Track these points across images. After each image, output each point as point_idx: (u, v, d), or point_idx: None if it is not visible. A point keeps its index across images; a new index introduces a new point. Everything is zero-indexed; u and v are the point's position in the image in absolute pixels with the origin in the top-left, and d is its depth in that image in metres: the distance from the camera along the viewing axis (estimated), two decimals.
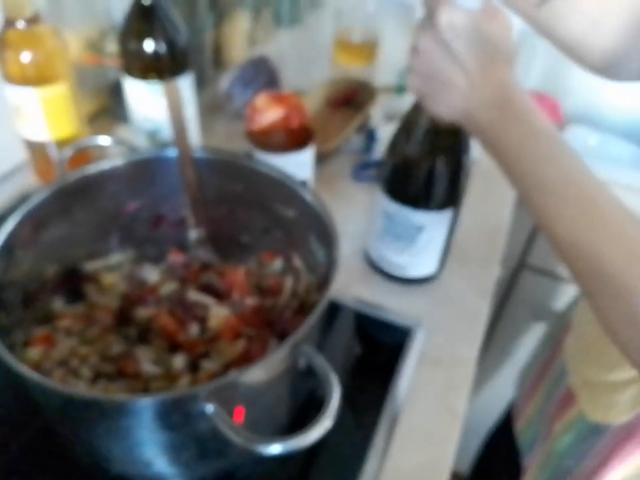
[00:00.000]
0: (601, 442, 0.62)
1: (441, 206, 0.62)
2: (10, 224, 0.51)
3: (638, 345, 0.39)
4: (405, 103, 0.99)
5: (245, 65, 0.97)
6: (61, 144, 0.75)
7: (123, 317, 0.59)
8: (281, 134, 0.69)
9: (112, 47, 0.87)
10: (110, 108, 0.94)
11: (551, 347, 0.76)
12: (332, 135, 0.92)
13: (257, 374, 0.42)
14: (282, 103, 0.69)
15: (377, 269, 0.71)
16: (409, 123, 0.62)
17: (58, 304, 0.58)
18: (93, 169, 0.57)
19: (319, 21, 1.37)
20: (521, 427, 0.79)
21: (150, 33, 0.68)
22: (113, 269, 0.63)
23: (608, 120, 1.23)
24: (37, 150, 0.76)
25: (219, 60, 1.11)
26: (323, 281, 0.53)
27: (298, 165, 0.70)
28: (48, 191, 0.54)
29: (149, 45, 0.68)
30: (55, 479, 0.52)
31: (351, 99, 1.01)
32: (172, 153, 0.59)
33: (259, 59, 0.99)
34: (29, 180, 0.81)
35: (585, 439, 0.64)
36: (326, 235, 0.53)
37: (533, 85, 1.16)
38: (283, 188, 0.59)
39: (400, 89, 1.07)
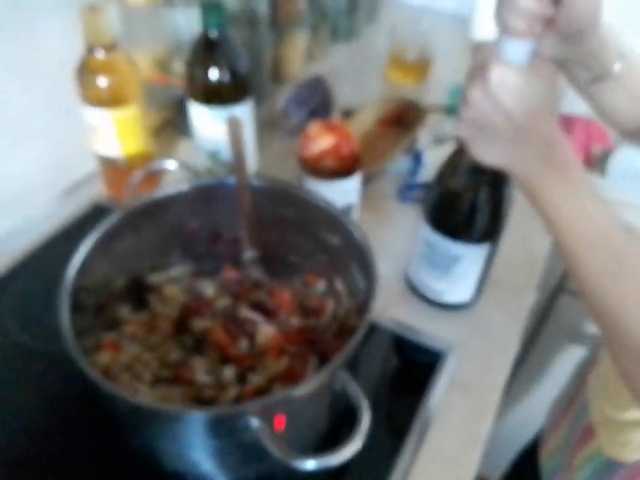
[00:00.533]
0: (616, 478, 0.64)
1: (479, 240, 0.66)
2: (89, 240, 0.58)
3: None
4: (453, 124, 1.02)
5: (300, 85, 1.02)
6: (131, 158, 0.82)
7: (182, 327, 0.65)
8: (330, 161, 0.74)
9: (178, 66, 0.93)
10: (175, 122, 1.01)
11: (578, 381, 0.78)
12: (380, 155, 0.96)
13: (298, 395, 0.47)
14: (333, 132, 0.74)
15: (416, 292, 0.75)
16: (454, 158, 0.65)
17: (124, 311, 0.65)
18: (160, 193, 0.64)
19: (375, 35, 1.41)
20: (545, 456, 0.82)
21: (215, 63, 0.74)
22: (173, 281, 0.69)
23: None
24: (108, 164, 0.84)
25: (277, 76, 1.17)
26: (362, 307, 0.58)
27: (345, 191, 0.75)
28: (121, 213, 0.61)
29: (213, 74, 0.74)
30: (111, 470, 0.59)
31: (401, 118, 1.05)
32: (231, 180, 0.65)
33: (314, 78, 1.04)
34: (98, 189, 0.88)
35: (601, 474, 0.66)
36: (366, 266, 0.58)
37: (584, 109, 1.16)
38: (330, 217, 0.64)
39: (450, 110, 1.10)
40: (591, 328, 1.09)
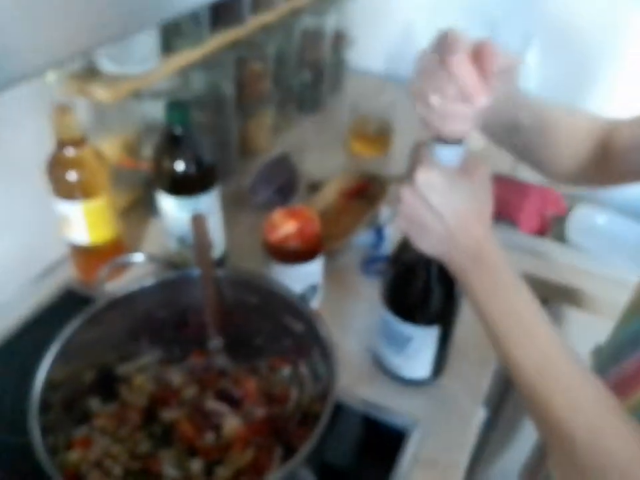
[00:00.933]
0: None
1: (430, 322, 0.69)
2: (59, 338, 0.60)
3: None
4: None
5: (267, 163, 1.07)
6: (100, 245, 0.85)
7: (150, 417, 0.67)
8: (294, 245, 0.77)
9: (147, 150, 0.97)
10: (145, 202, 1.04)
11: (539, 450, 0.81)
12: (344, 229, 1.00)
13: None
14: (295, 218, 0.78)
15: (378, 365, 0.78)
16: (404, 240, 0.68)
17: (94, 404, 0.67)
18: (127, 289, 0.66)
19: (340, 104, 1.47)
20: None
21: (179, 157, 0.78)
22: (142, 370, 0.71)
23: (615, 199, 1.28)
24: (78, 250, 0.86)
25: (245, 151, 1.21)
26: (325, 393, 0.60)
27: (309, 273, 0.79)
28: (90, 311, 0.63)
29: (178, 167, 0.78)
30: None
31: (363, 191, 1.10)
32: (196, 272, 0.68)
33: (280, 156, 1.09)
34: (70, 274, 0.90)
35: None
36: (327, 356, 0.60)
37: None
38: (292, 304, 0.67)
39: None
40: None
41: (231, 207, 1.07)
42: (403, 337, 0.71)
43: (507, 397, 1.24)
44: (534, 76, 1.33)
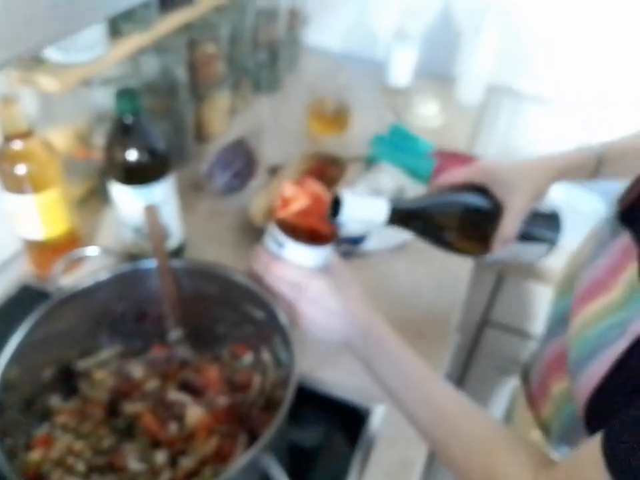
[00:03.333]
0: None
1: None
2: (11, 344, 0.59)
3: None
4: (374, 176, 1.07)
5: (224, 148, 1.06)
6: (55, 239, 0.83)
7: (113, 411, 0.67)
8: (304, 221, 0.63)
9: (99, 139, 0.95)
10: (99, 191, 1.02)
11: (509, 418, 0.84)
12: None
13: None
14: (308, 192, 0.63)
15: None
16: None
17: (55, 400, 0.66)
18: (82, 284, 0.65)
19: (297, 84, 1.46)
20: None
21: (131, 146, 0.76)
22: (103, 364, 0.71)
23: None
24: (33, 245, 0.84)
25: (201, 136, 1.20)
26: (287, 379, 0.61)
27: (325, 254, 0.63)
28: (44, 309, 0.62)
29: (131, 156, 0.76)
30: None
31: (323, 173, 1.10)
32: (152, 264, 0.68)
33: (237, 140, 1.08)
34: (26, 269, 0.89)
35: None
36: (287, 342, 0.61)
37: (494, 152, 1.25)
38: (252, 293, 0.67)
39: (369, 160, 1.16)
40: (518, 357, 1.16)
41: (189, 193, 1.07)
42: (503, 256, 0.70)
43: (468, 374, 1.28)
44: (490, 48, 1.34)
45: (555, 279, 0.98)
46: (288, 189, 0.62)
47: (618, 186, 0.64)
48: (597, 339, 0.50)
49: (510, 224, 0.64)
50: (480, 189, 0.67)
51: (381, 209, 0.60)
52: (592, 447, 0.40)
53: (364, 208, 0.59)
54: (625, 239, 0.52)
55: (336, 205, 0.58)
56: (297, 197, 0.62)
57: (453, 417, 0.53)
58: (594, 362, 0.49)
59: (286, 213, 0.61)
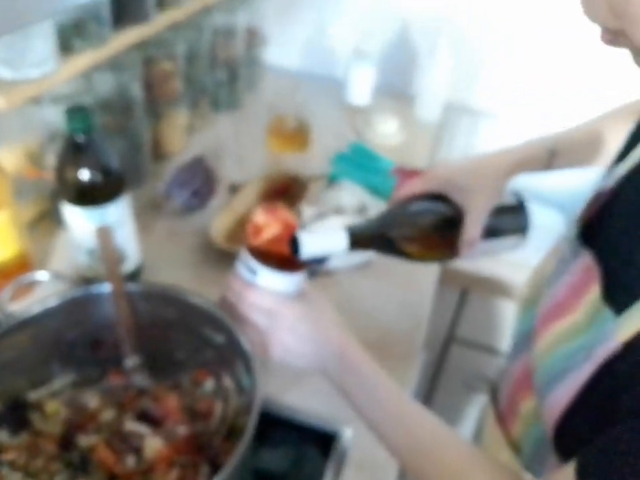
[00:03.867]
0: None
1: None
2: None
3: None
4: (336, 194, 1.06)
5: (181, 166, 1.03)
6: (5, 263, 0.79)
7: (66, 444, 0.63)
8: (275, 248, 0.62)
9: (51, 159, 0.91)
10: (52, 213, 0.98)
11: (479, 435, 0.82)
12: None
13: None
14: (276, 218, 0.62)
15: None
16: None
17: (3, 436, 0.62)
18: (29, 311, 0.61)
19: (257, 103, 1.44)
20: None
21: (84, 166, 0.73)
22: (55, 395, 0.66)
23: (534, 190, 1.33)
24: None
25: (158, 153, 1.17)
26: (249, 405, 0.58)
27: (300, 280, 0.63)
28: None
29: (83, 176, 0.73)
30: None
31: (285, 191, 1.08)
32: (105, 287, 0.64)
33: (195, 159, 1.05)
34: None
35: None
36: (249, 367, 0.58)
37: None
38: (212, 317, 0.64)
39: (331, 178, 1.14)
40: (487, 372, 1.16)
41: (146, 213, 1.03)
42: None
43: (436, 391, 1.27)
44: (444, 67, 1.36)
45: (519, 295, 0.99)
46: (259, 216, 0.62)
47: (574, 201, 0.64)
48: (563, 361, 0.49)
49: (472, 227, 0.64)
50: (438, 197, 0.67)
51: (339, 239, 0.60)
52: (566, 474, 0.39)
53: (322, 242, 0.60)
54: (586, 258, 0.52)
55: (295, 244, 0.58)
56: (268, 224, 0.61)
57: (428, 442, 0.53)
58: (560, 384, 0.48)
59: (258, 241, 0.61)
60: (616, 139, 0.71)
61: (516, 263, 0.98)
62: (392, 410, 0.56)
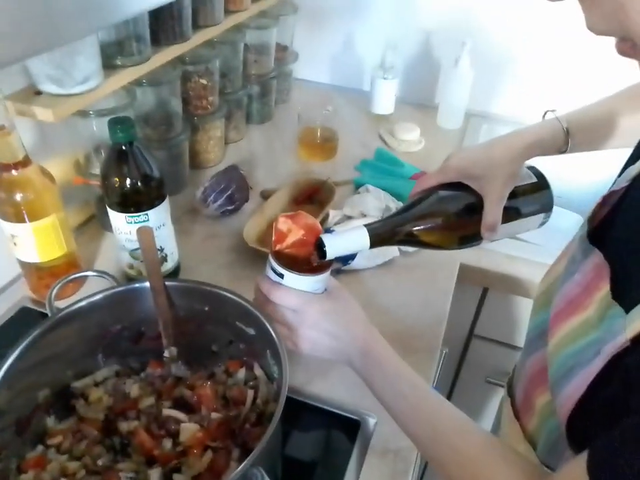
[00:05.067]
0: None
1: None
2: (3, 364, 0.56)
3: None
4: (362, 198, 1.06)
5: (217, 174, 1.04)
6: (52, 263, 0.81)
7: (108, 428, 0.64)
8: (300, 251, 0.63)
9: (97, 167, 0.93)
10: (98, 217, 1.00)
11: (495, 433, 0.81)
12: None
13: None
14: (299, 224, 0.62)
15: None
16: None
17: (50, 422, 0.63)
18: (75, 305, 0.63)
19: (287, 113, 1.45)
20: None
21: (127, 174, 0.75)
22: (99, 384, 0.68)
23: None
24: (29, 268, 0.82)
25: (196, 162, 1.19)
26: (278, 393, 0.58)
27: (323, 280, 0.62)
28: (38, 330, 0.60)
29: (126, 184, 0.75)
30: None
31: (313, 196, 1.09)
32: (146, 284, 0.65)
33: (229, 167, 1.07)
34: (24, 291, 0.86)
35: None
36: (278, 357, 0.59)
37: None
38: (243, 310, 0.65)
39: (357, 183, 1.14)
40: (504, 367, 1.14)
41: (185, 218, 1.05)
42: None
43: (457, 385, 1.25)
44: (467, 78, 1.35)
45: (533, 292, 0.96)
46: (282, 222, 0.62)
47: (590, 202, 0.62)
48: (574, 357, 0.48)
49: (491, 213, 0.62)
50: (456, 186, 0.66)
51: (361, 237, 0.60)
52: (577, 466, 0.38)
53: (345, 242, 0.61)
54: (597, 257, 0.50)
55: (320, 247, 0.60)
56: (290, 229, 0.62)
57: (450, 435, 0.52)
58: (572, 380, 0.47)
59: (282, 246, 0.62)
60: (630, 118, 0.69)
61: (535, 262, 0.96)
62: (413, 402, 0.56)
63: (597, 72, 1.29)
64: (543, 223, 0.72)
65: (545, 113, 0.71)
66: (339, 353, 0.61)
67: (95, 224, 1.02)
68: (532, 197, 0.68)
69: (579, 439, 0.49)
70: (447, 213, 0.64)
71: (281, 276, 0.60)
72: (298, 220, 0.62)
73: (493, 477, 0.48)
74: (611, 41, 0.40)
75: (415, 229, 0.63)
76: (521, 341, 1.08)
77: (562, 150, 0.69)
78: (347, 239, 0.61)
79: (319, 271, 0.61)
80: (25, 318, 0.83)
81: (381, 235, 0.61)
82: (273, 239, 0.62)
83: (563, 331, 0.51)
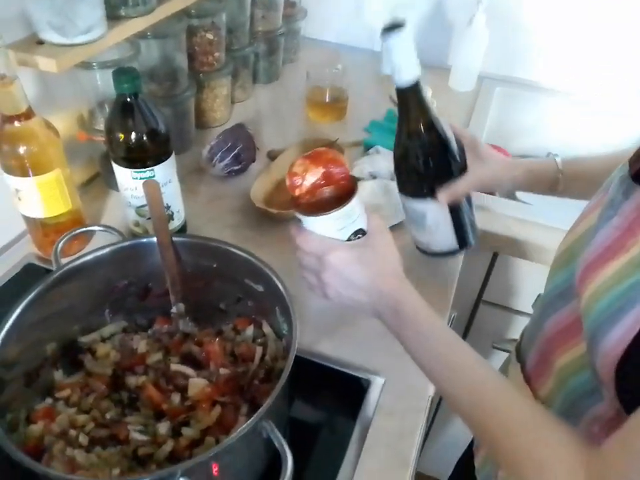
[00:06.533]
0: None
1: (431, 194, 0.72)
2: (10, 315, 0.56)
3: None
4: (371, 160, 1.04)
5: (223, 132, 1.03)
6: (57, 218, 0.81)
7: (116, 383, 0.64)
8: (327, 191, 0.59)
9: (101, 123, 0.92)
10: (103, 175, 0.99)
11: None
12: None
13: (225, 449, 0.47)
14: (318, 161, 0.59)
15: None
16: (397, 131, 0.72)
17: (58, 375, 0.64)
18: (82, 259, 0.63)
19: (295, 74, 1.43)
20: (479, 463, 0.83)
21: (132, 127, 0.73)
22: (106, 339, 0.68)
23: None
24: (34, 224, 0.82)
25: (202, 121, 1.17)
26: (287, 350, 0.58)
27: (346, 217, 0.58)
28: (44, 282, 0.59)
29: (131, 137, 0.74)
30: None
31: None
32: (153, 239, 0.65)
33: (236, 125, 1.05)
34: (29, 248, 0.86)
35: None
36: (287, 313, 0.58)
37: (485, 137, 1.22)
38: (251, 267, 0.64)
39: (367, 145, 1.13)
40: (510, 334, 1.14)
41: (191, 177, 1.04)
42: (418, 214, 0.75)
43: (467, 339, 1.25)
44: (481, 38, 1.31)
45: (544, 257, 0.96)
46: (298, 165, 0.58)
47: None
48: (619, 301, 0.46)
49: (464, 183, 0.68)
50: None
51: (414, 69, 0.65)
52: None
53: (407, 53, 0.64)
54: (639, 197, 0.49)
55: (393, 28, 0.61)
56: (307, 169, 0.58)
57: (493, 398, 0.49)
58: (617, 325, 0.46)
59: (301, 190, 0.58)
60: None
61: (547, 227, 0.96)
62: (453, 366, 0.52)
63: (621, 33, 1.26)
64: (448, 251, 0.80)
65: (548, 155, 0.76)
66: (366, 306, 0.57)
67: (100, 182, 1.01)
68: (470, 224, 0.78)
69: (630, 386, 0.47)
70: (438, 149, 0.70)
71: (301, 221, 0.57)
72: (315, 157, 0.58)
73: (540, 439, 0.45)
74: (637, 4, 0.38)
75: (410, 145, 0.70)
76: (528, 307, 1.08)
77: (551, 190, 0.76)
78: (410, 53, 0.65)
79: (339, 206, 0.56)
80: (30, 275, 0.82)
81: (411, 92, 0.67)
82: (288, 183, 0.58)
83: (601, 279, 0.49)
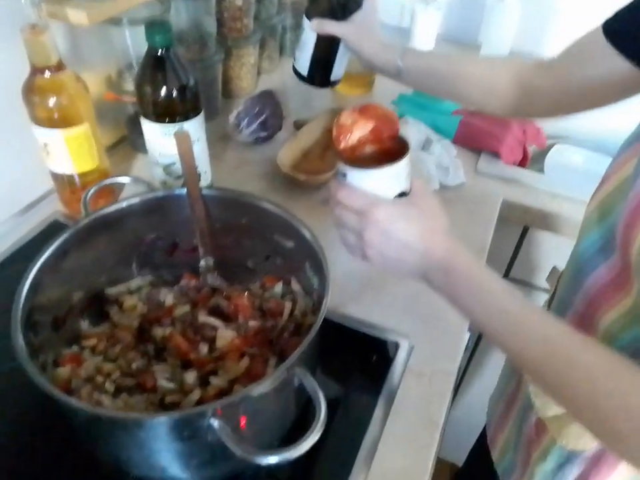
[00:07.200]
0: (576, 467, 0.64)
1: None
2: (40, 257, 0.56)
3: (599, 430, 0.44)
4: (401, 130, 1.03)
5: (251, 98, 1.02)
6: (84, 175, 0.80)
7: (142, 335, 0.64)
8: (372, 148, 0.57)
9: (129, 84, 0.91)
10: (130, 138, 0.99)
11: (516, 380, 0.78)
12: (329, 163, 0.96)
13: (256, 394, 0.47)
14: (368, 115, 0.57)
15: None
16: None
17: (84, 325, 0.63)
18: (111, 207, 0.62)
19: None
20: (496, 457, 0.81)
21: (163, 81, 0.72)
22: (133, 292, 0.68)
23: (590, 138, 1.26)
24: (62, 181, 0.81)
25: (228, 91, 1.16)
26: (317, 305, 0.57)
27: (395, 176, 0.55)
28: (71, 230, 0.59)
29: (162, 91, 0.73)
30: None
31: None
32: (183, 191, 0.64)
33: (263, 92, 1.04)
34: (56, 206, 0.86)
35: (563, 465, 0.65)
36: (319, 266, 0.57)
37: None
38: (282, 222, 0.63)
39: None
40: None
41: (217, 143, 1.03)
42: (302, 29, 0.86)
43: None
44: (513, 14, 1.29)
45: (576, 231, 0.93)
46: (346, 116, 0.55)
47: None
48: None
49: (336, 26, 0.81)
50: None
51: None
52: None
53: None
54: None
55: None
56: (357, 123, 0.55)
57: (566, 349, 0.45)
58: None
59: (347, 143, 0.55)
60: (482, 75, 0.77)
61: (578, 200, 0.93)
62: (513, 320, 0.48)
63: None
64: (300, 76, 0.93)
65: None
66: (412, 268, 0.53)
67: (126, 146, 1.00)
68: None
69: None
70: None
71: (344, 175, 0.53)
72: (366, 111, 0.55)
73: (625, 385, 0.42)
74: None
75: None
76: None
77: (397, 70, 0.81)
78: None
79: (387, 162, 0.52)
80: (56, 231, 0.82)
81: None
82: (334, 134, 0.55)
83: None
